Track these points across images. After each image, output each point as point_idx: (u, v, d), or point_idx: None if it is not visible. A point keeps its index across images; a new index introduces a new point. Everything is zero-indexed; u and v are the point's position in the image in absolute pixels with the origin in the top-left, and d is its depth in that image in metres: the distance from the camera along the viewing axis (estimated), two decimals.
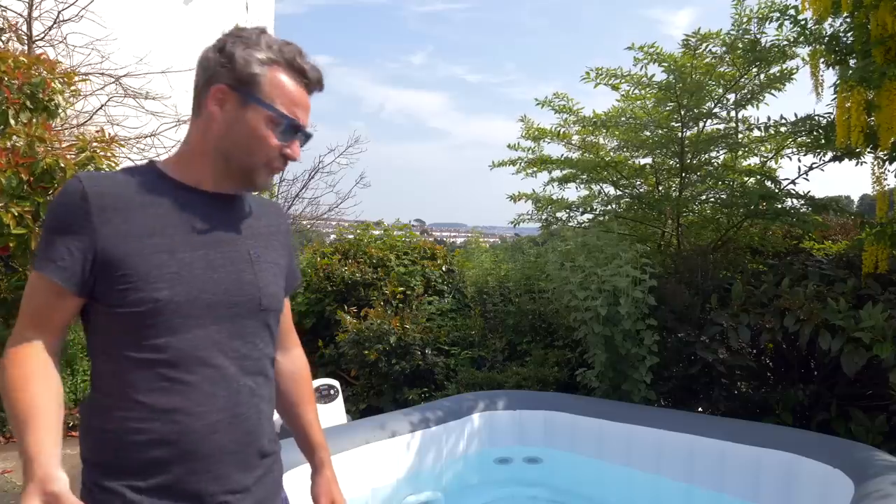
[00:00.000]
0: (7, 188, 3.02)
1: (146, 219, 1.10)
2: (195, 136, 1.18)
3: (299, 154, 1.19)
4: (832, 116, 3.88)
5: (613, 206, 5.04)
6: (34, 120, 3.32)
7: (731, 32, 4.09)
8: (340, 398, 4.12)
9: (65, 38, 5.34)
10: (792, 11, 3.84)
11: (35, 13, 5.16)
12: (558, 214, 5.13)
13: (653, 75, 4.34)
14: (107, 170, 3.27)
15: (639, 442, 3.36)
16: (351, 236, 6.71)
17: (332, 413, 4.00)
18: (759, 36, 4.05)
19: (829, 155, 4.23)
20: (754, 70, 4.23)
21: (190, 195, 1.16)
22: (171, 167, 1.18)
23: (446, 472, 3.50)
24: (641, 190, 5.05)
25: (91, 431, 1.11)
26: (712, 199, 4.75)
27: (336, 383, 4.14)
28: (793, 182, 4.37)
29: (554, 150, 5.34)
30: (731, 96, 4.39)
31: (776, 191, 4.38)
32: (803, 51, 4.01)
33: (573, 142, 4.97)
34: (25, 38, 4.92)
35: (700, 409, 4.05)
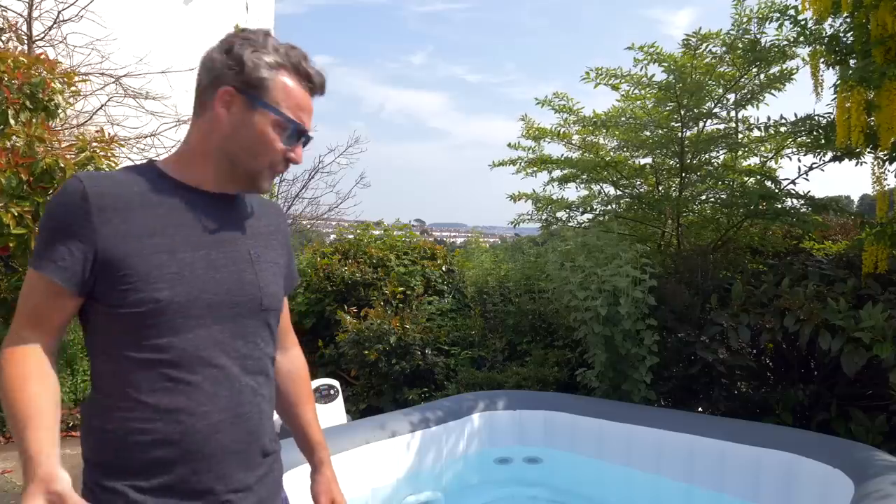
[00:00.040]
0: (7, 188, 3.02)
1: (146, 219, 1.10)
2: (196, 137, 1.18)
3: (302, 158, 1.20)
4: (832, 116, 3.88)
5: (613, 206, 5.04)
6: (34, 120, 3.32)
7: (731, 32, 4.09)
8: (340, 398, 4.12)
9: (65, 38, 5.35)
10: (792, 11, 3.84)
11: (35, 13, 5.16)
12: (558, 214, 5.13)
13: (653, 75, 4.35)
14: (106, 170, 3.27)
15: (639, 442, 3.36)
16: (351, 236, 6.71)
17: (332, 413, 4.00)
18: (759, 36, 4.06)
19: (829, 155, 4.23)
20: (754, 70, 4.23)
21: (191, 195, 1.16)
22: (172, 167, 1.18)
23: (446, 472, 3.50)
24: (641, 190, 5.05)
25: (92, 431, 1.11)
26: (712, 199, 4.75)
27: (336, 383, 4.14)
28: (793, 182, 4.37)
29: (554, 149, 5.35)
30: (731, 96, 4.39)
31: (776, 191, 4.38)
32: (803, 51, 4.02)
33: (573, 141, 4.98)
34: (25, 38, 4.93)
35: (700, 409, 4.05)
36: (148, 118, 5.85)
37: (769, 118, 4.27)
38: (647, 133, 4.63)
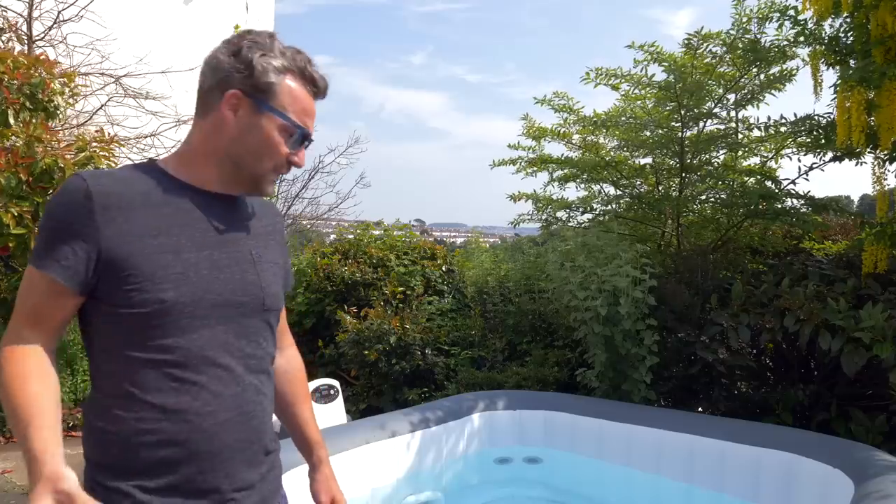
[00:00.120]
0: (6, 188, 3.02)
1: (150, 219, 1.10)
2: (198, 137, 1.18)
3: (304, 161, 1.22)
4: (832, 116, 3.88)
5: (613, 205, 5.04)
6: (33, 120, 3.32)
7: (731, 32, 4.09)
8: (340, 398, 4.12)
9: (65, 38, 5.35)
10: (792, 12, 3.84)
11: (35, 13, 5.16)
12: (558, 214, 5.13)
13: (653, 75, 4.35)
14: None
15: (639, 442, 3.36)
16: (351, 236, 6.70)
17: (332, 413, 4.00)
18: (759, 36, 4.06)
19: (829, 155, 4.23)
20: (754, 70, 4.23)
21: (195, 196, 1.16)
22: (174, 167, 1.17)
23: (446, 472, 3.50)
24: (641, 190, 5.05)
25: (94, 432, 1.10)
26: (712, 199, 4.75)
27: (336, 383, 4.14)
28: (793, 182, 4.37)
29: (554, 149, 5.35)
30: (731, 96, 4.39)
31: (776, 191, 4.38)
32: (803, 51, 4.02)
33: (573, 141, 4.98)
34: (25, 38, 4.92)
35: (700, 409, 4.05)
36: (148, 118, 5.85)
37: (769, 118, 4.28)
38: (647, 133, 4.63)
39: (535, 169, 5.01)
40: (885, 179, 3.67)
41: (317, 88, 1.19)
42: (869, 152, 3.79)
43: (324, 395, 4.01)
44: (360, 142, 9.27)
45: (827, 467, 2.71)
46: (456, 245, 10.99)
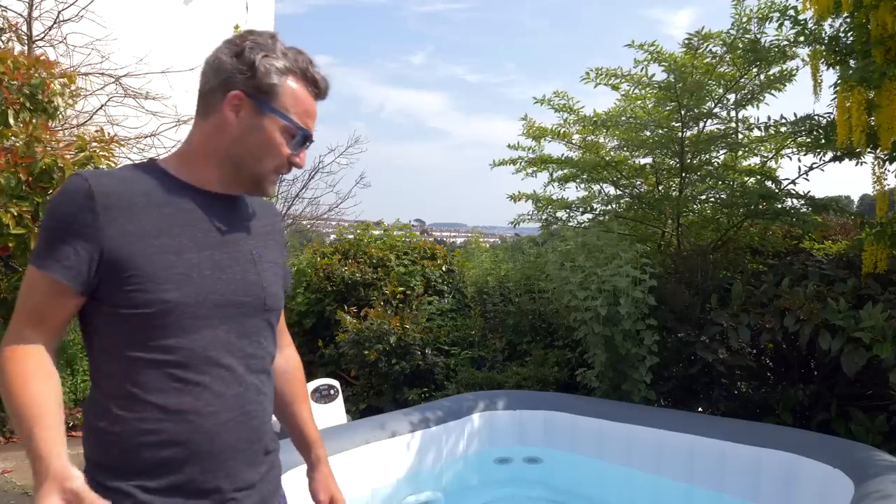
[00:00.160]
0: (6, 188, 3.02)
1: (152, 219, 1.10)
2: (199, 138, 1.18)
3: (305, 162, 1.22)
4: (832, 116, 3.88)
5: (613, 205, 5.03)
6: (33, 121, 3.32)
7: (731, 32, 4.09)
8: (340, 398, 4.12)
9: (65, 38, 5.35)
10: (792, 12, 3.84)
11: (35, 13, 5.16)
12: (558, 214, 5.13)
13: (653, 75, 4.35)
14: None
15: (639, 442, 3.36)
16: (351, 236, 6.70)
17: (332, 413, 4.00)
18: (759, 36, 4.06)
19: (829, 155, 4.23)
20: (754, 70, 4.23)
21: (196, 196, 1.16)
22: (174, 167, 1.17)
23: (446, 472, 3.50)
24: (641, 190, 5.05)
25: (95, 432, 1.10)
26: (712, 199, 4.74)
27: (336, 383, 4.14)
28: (793, 182, 4.37)
29: (554, 149, 5.35)
30: (731, 96, 4.39)
31: (776, 191, 4.38)
32: (803, 51, 4.02)
33: (573, 141, 4.98)
34: (25, 38, 4.93)
35: (700, 409, 4.05)
36: (148, 118, 5.85)
37: (769, 118, 4.27)
38: (648, 133, 4.63)
39: (535, 169, 5.01)
40: (885, 179, 3.68)
41: (318, 89, 1.20)
42: (869, 152, 3.79)
43: (324, 395, 4.01)
44: (360, 142, 9.26)
45: (827, 467, 2.71)
46: (456, 245, 10.99)
